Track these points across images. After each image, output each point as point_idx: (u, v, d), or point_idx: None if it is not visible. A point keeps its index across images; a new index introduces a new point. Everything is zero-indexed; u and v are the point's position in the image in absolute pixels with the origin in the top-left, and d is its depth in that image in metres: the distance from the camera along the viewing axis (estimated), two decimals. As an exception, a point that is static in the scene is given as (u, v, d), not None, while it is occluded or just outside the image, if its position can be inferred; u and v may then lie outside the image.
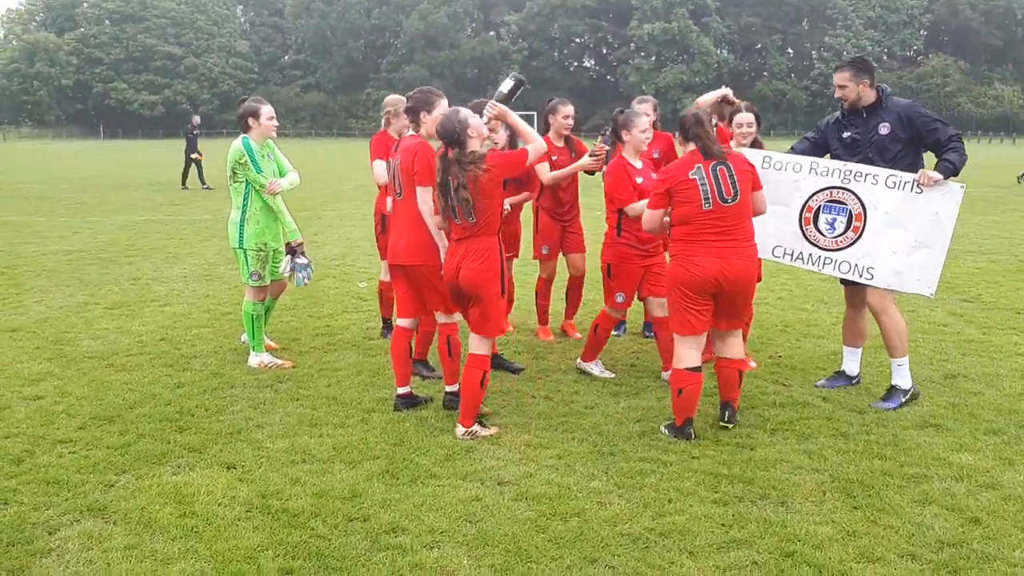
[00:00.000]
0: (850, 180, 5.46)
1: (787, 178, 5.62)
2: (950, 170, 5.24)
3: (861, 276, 5.52)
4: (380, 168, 6.35)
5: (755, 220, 5.00)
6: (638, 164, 5.78)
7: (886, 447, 4.78)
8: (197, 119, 24.41)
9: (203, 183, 22.73)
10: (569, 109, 6.81)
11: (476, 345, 4.96)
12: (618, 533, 3.80)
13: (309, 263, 6.38)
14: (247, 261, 6.17)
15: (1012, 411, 5.30)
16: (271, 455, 4.65)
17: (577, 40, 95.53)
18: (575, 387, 5.83)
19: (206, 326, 7.53)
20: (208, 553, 3.59)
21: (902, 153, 5.47)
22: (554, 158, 6.57)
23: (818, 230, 5.59)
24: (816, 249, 5.62)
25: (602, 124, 6.14)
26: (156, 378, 5.99)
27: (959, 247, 11.70)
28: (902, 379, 5.50)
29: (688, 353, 4.87)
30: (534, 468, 4.48)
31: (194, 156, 22.84)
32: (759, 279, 5.57)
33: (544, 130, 6.75)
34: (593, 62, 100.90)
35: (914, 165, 5.46)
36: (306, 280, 6.35)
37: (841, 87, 5.52)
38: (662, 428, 5.04)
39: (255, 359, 6.27)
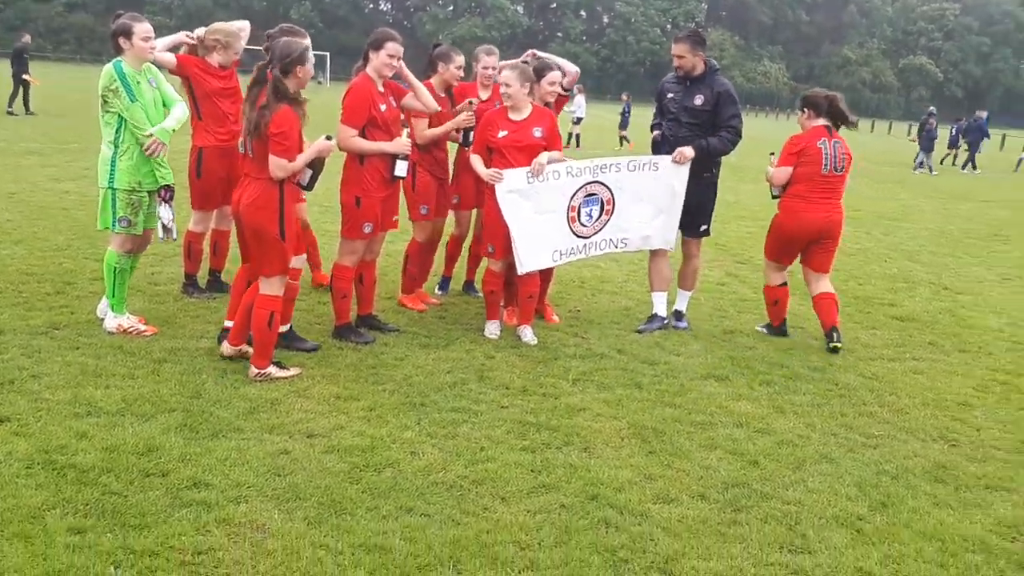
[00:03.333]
0: (598, 173, 6.05)
1: (550, 187, 5.85)
2: (703, 148, 6.13)
3: (617, 247, 6.36)
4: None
5: (531, 237, 5.79)
6: (516, 116, 5.73)
7: (675, 396, 5.13)
8: (28, 37, 22.15)
9: (27, 109, 20.75)
10: (462, 60, 6.32)
11: (262, 286, 4.88)
12: (432, 482, 3.83)
13: (174, 215, 5.50)
14: (115, 204, 5.31)
15: (782, 364, 5.85)
16: (51, 407, 4.26)
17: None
18: (384, 339, 5.76)
19: (-37, 265, 6.72)
20: (-17, 516, 3.25)
21: (707, 121, 6.16)
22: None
23: (581, 223, 6.08)
24: (581, 240, 6.12)
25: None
26: (-96, 322, 5.29)
27: (732, 213, 12.68)
28: (685, 304, 6.68)
29: (778, 275, 6.49)
30: (344, 420, 4.40)
31: (26, 78, 20.62)
32: None
33: (424, 76, 6.20)
34: (390, 6, 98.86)
35: (711, 133, 6.14)
36: (175, 236, 5.51)
37: (679, 57, 6.16)
38: (759, 327, 6.61)
39: (113, 321, 5.46)
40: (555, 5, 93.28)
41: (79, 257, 7.28)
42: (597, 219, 6.12)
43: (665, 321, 6.57)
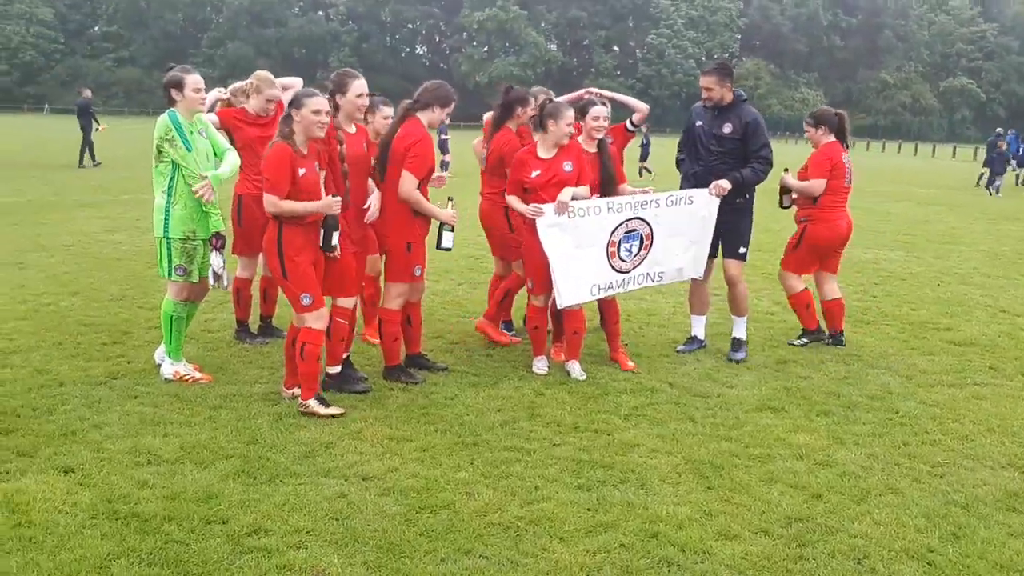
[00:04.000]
0: (639, 210, 6.09)
1: (590, 222, 5.87)
2: (738, 180, 6.23)
3: (654, 281, 6.45)
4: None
5: (571, 271, 5.78)
6: (545, 155, 5.80)
7: (731, 429, 5.05)
8: (88, 92, 23.46)
9: (93, 160, 22.05)
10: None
11: (296, 323, 5.16)
12: (489, 523, 3.80)
13: (224, 262, 5.45)
14: (170, 253, 5.39)
15: (838, 394, 5.74)
16: (112, 457, 4.32)
17: (409, 25, 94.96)
18: (433, 378, 5.77)
19: (24, 319, 6.90)
20: (52, 565, 3.29)
21: (736, 150, 6.31)
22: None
23: (621, 259, 6.10)
24: (620, 275, 6.14)
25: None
26: (-31, 376, 5.43)
27: (774, 241, 12.52)
28: (742, 332, 6.63)
29: (799, 282, 6.92)
30: (399, 462, 4.40)
31: (99, 128, 22.17)
32: None
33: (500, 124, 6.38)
34: (425, 49, 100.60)
35: (740, 161, 6.31)
36: (226, 283, 5.50)
37: (708, 89, 6.32)
38: (795, 342, 6.88)
39: (170, 368, 5.54)
40: (587, 42, 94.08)
41: (134, 307, 7.44)
42: (636, 254, 6.16)
43: (704, 343, 6.78)
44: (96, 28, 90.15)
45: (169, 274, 5.48)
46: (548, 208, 5.69)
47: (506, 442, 4.72)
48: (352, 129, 5.45)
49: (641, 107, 6.85)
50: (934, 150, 57.26)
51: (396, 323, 5.70)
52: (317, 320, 5.02)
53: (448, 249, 5.75)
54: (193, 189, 5.31)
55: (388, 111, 6.01)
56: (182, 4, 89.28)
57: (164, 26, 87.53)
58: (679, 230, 6.29)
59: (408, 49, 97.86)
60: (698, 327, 6.84)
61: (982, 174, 26.27)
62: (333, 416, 4.96)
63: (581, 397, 5.54)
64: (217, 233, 5.43)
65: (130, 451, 4.40)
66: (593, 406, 5.38)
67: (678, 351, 6.67)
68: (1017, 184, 28.12)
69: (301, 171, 4.87)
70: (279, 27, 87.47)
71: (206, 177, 5.32)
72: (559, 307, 5.89)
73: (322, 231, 4.98)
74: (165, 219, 5.40)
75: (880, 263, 11.17)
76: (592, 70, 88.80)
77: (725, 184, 6.20)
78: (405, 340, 5.88)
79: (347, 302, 5.43)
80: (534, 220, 5.71)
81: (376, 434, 4.76)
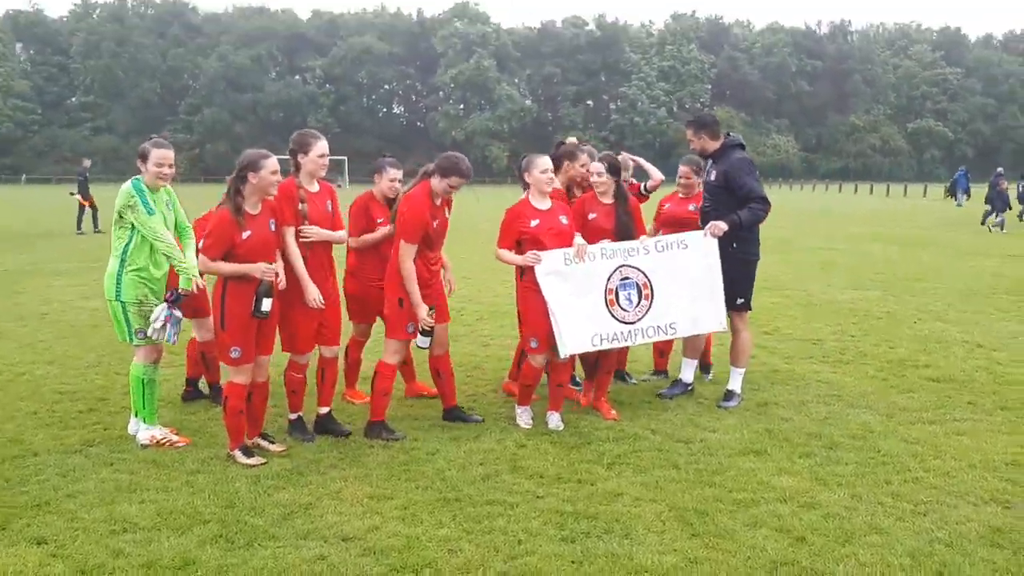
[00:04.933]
0: (628, 257, 6.06)
1: (584, 269, 5.89)
2: (735, 222, 6.22)
3: (668, 333, 6.30)
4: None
5: (570, 316, 5.80)
6: (540, 206, 5.87)
7: (714, 475, 5.02)
8: (88, 162, 24.40)
9: (96, 226, 22.65)
10: (586, 158, 6.55)
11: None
12: (472, 580, 3.74)
13: (181, 319, 5.43)
14: (127, 317, 5.40)
15: (820, 435, 5.73)
16: (87, 526, 4.24)
17: (385, 86, 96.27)
18: (414, 434, 5.73)
19: (-2, 389, 6.81)
20: (22, 643, 3.20)
21: (725, 199, 6.34)
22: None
23: (621, 307, 6.05)
24: (624, 325, 6.07)
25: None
26: (-60, 450, 5.33)
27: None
28: (737, 384, 6.58)
29: None
30: (379, 520, 4.34)
31: (75, 197, 22.76)
32: None
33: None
34: (402, 108, 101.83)
35: (733, 209, 6.28)
36: (174, 337, 5.39)
37: (690, 140, 6.53)
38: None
39: (145, 433, 5.47)
40: (560, 97, 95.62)
41: (110, 373, 7.36)
42: (638, 304, 6.07)
43: (689, 388, 6.79)
44: (73, 99, 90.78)
45: (130, 338, 5.45)
46: (545, 255, 5.74)
47: (488, 496, 4.67)
48: (315, 188, 5.51)
49: (657, 176, 7.12)
50: (905, 190, 58.20)
51: (390, 378, 5.68)
52: (239, 375, 5.14)
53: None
54: (193, 289, 5.44)
55: (396, 173, 6.14)
56: (159, 72, 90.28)
57: (142, 94, 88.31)
58: (679, 277, 6.17)
59: (385, 109, 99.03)
60: (687, 371, 6.84)
61: (985, 212, 26.83)
62: (255, 466, 5.11)
63: (564, 447, 5.51)
64: (173, 290, 5.37)
65: (105, 519, 4.32)
66: (576, 456, 5.35)
67: (659, 395, 6.69)
68: (1021, 220, 28.64)
69: (246, 234, 5.02)
70: (256, 92, 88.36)
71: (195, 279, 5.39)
72: (562, 356, 5.87)
73: (254, 296, 5.03)
74: (117, 284, 5.39)
75: (856, 303, 11.27)
76: (566, 123, 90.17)
77: (721, 225, 6.19)
78: (440, 393, 6.12)
79: (329, 351, 5.72)
80: (534, 276, 5.75)
81: (356, 493, 4.70)
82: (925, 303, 11.29)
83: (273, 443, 5.48)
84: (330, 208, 5.58)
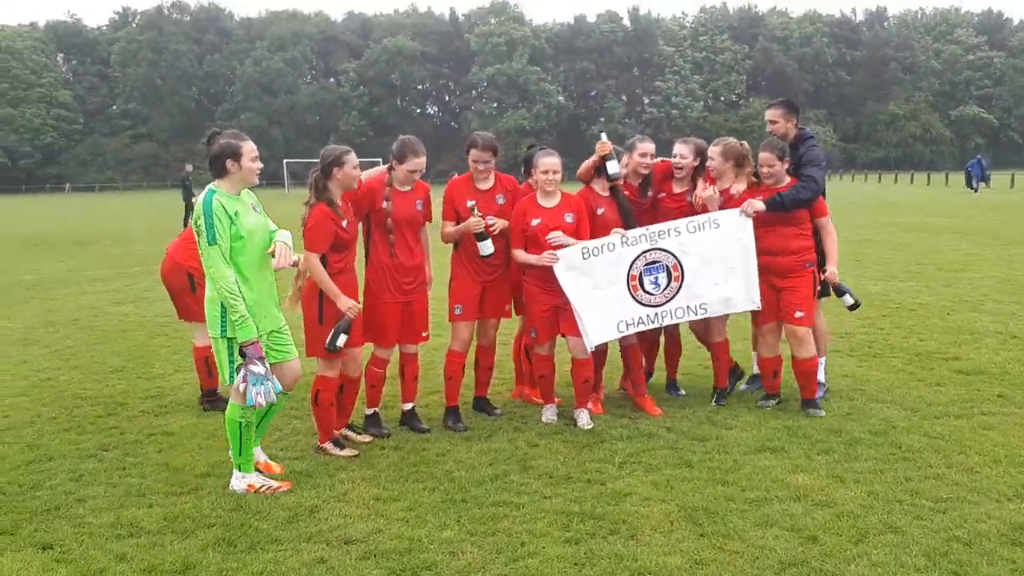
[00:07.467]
0: (656, 240, 5.90)
1: (605, 259, 5.81)
2: (777, 203, 5.90)
3: (697, 314, 6.05)
4: None
5: (592, 309, 5.75)
6: (545, 203, 5.81)
7: (728, 473, 4.91)
8: (190, 166, 24.47)
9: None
10: (649, 147, 6.27)
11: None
12: (471, 583, 3.69)
13: (268, 373, 4.53)
14: (231, 353, 4.56)
15: (840, 431, 5.58)
16: (94, 531, 4.26)
17: (419, 87, 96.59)
18: (426, 435, 5.69)
19: (23, 395, 6.90)
20: (16, 649, 3.22)
21: None
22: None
23: (646, 292, 5.93)
24: (651, 309, 5.95)
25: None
26: (-40, 455, 5.41)
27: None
28: (822, 375, 6.33)
29: None
30: (383, 523, 4.31)
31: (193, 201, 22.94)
32: None
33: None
34: (436, 108, 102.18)
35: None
36: (261, 397, 4.45)
37: (772, 122, 6.27)
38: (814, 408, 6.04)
39: (240, 481, 4.72)
40: (595, 93, 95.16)
41: (132, 378, 7.44)
42: (666, 287, 5.92)
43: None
44: (114, 107, 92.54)
45: (230, 378, 4.63)
46: (561, 253, 5.69)
47: (495, 497, 4.62)
48: (406, 188, 5.60)
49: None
50: (947, 179, 56.94)
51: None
52: (329, 368, 5.24)
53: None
54: (274, 265, 4.61)
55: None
56: (196, 78, 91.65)
57: (180, 101, 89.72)
58: (713, 257, 5.93)
59: (419, 110, 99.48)
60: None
61: None
62: (349, 457, 5.25)
63: (576, 447, 5.44)
64: (245, 342, 4.49)
65: (112, 524, 4.34)
66: (587, 455, 5.27)
67: (742, 389, 6.69)
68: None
69: (344, 223, 5.19)
70: (290, 95, 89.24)
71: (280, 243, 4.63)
72: (588, 348, 5.82)
73: (333, 330, 5.06)
74: (222, 315, 4.53)
75: (889, 294, 11.01)
76: (602, 119, 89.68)
77: (756, 203, 5.87)
78: (475, 381, 6.24)
79: (410, 348, 5.79)
80: (536, 272, 5.73)
81: (362, 495, 4.67)
82: (960, 294, 10.99)
83: (360, 434, 5.62)
84: (420, 207, 5.65)
